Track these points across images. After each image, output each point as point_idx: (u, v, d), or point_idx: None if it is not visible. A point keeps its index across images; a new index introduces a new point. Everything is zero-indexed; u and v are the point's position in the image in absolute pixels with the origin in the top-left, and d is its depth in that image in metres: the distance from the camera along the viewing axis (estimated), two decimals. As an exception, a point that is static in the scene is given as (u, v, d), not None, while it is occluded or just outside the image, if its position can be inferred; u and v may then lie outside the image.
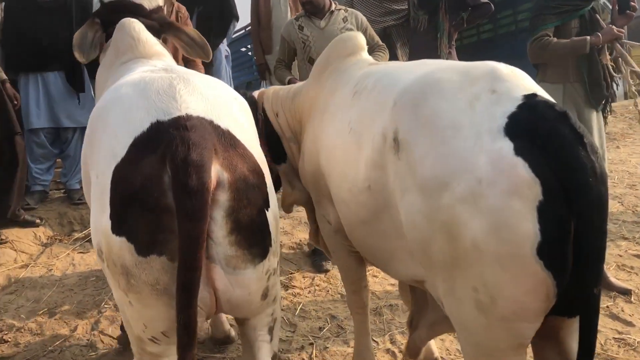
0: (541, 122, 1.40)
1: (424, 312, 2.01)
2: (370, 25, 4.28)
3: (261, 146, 3.15)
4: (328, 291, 3.68)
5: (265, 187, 1.66)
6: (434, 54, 5.02)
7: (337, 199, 2.17)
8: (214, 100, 1.66)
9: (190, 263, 1.40)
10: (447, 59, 5.03)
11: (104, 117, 1.70)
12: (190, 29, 2.58)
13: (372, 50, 3.95)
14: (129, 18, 2.28)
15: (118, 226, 1.48)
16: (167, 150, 1.43)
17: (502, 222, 1.35)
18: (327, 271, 3.93)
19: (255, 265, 1.59)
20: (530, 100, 1.46)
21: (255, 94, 3.08)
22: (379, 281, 3.74)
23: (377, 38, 4.24)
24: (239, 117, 1.75)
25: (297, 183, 2.86)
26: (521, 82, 1.54)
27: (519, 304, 1.40)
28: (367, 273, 3.69)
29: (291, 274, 3.92)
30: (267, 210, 1.64)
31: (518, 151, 1.37)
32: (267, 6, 5.66)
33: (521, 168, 1.35)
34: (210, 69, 5.41)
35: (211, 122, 1.56)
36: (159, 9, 2.57)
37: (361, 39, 2.59)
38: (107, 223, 1.51)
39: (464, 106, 1.51)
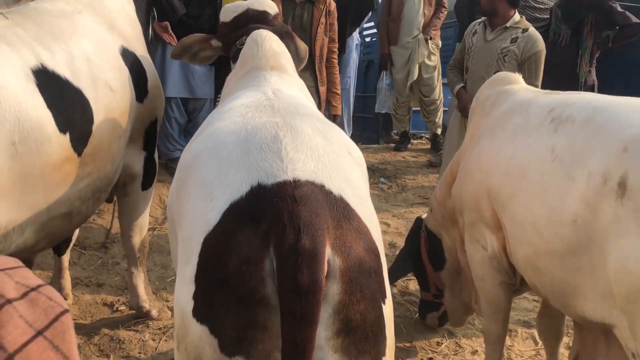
0: None
1: (596, 352, 2.00)
2: (540, 59, 4.00)
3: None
4: (444, 303, 3.75)
5: (382, 271, 1.32)
6: (572, 71, 4.91)
7: (522, 223, 2.11)
8: (324, 154, 1.36)
9: None
10: (586, 77, 4.91)
11: (196, 168, 1.46)
12: (300, 42, 2.59)
13: None
14: (260, 29, 2.24)
15: (201, 311, 1.23)
16: (273, 229, 1.17)
17: None
18: None
19: None
20: None
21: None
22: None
23: (537, 78, 4.00)
24: (351, 172, 1.41)
25: (457, 285, 2.97)
26: None
27: None
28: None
29: (409, 279, 3.98)
30: (384, 304, 1.28)
31: None
32: (401, -2, 5.69)
33: None
34: (342, 56, 5.51)
35: (322, 188, 1.27)
36: (278, 15, 2.61)
37: (514, 78, 2.67)
38: (188, 301, 1.26)
39: None
